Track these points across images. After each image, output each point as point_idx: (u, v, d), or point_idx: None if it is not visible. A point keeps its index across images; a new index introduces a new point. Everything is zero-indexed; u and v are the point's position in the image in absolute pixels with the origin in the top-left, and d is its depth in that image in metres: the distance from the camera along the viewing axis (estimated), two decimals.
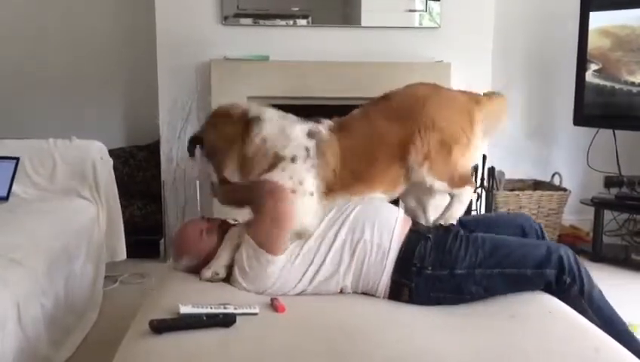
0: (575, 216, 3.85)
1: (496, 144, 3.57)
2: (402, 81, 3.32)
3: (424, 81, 2.10)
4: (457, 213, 1.98)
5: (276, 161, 1.83)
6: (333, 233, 1.78)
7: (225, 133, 1.90)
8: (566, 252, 1.77)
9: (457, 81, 3.26)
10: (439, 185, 1.95)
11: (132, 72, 3.84)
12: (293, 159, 1.84)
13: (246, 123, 1.88)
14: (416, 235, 1.81)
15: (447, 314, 1.69)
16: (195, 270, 1.84)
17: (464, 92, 2.10)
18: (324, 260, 1.76)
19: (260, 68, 3.26)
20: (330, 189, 1.88)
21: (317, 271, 1.75)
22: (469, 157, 1.99)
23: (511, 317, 1.65)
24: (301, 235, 1.79)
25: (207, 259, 1.83)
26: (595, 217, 3.44)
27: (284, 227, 1.74)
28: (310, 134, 1.89)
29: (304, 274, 1.75)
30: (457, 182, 1.97)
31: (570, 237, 3.71)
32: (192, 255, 1.86)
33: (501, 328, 1.59)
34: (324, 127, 1.93)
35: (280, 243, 1.73)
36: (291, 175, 1.82)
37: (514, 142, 3.89)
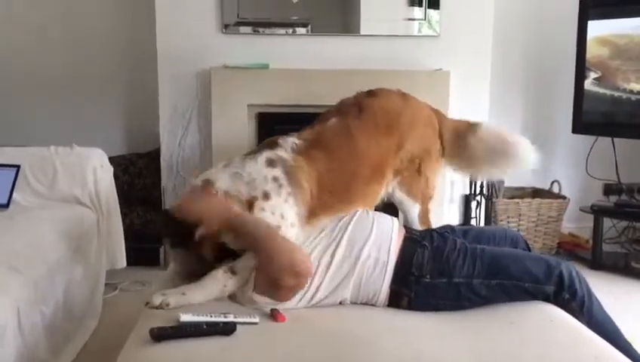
0: (574, 223, 3.85)
1: None
2: (402, 88, 3.35)
3: (386, 88, 2.19)
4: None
5: (251, 202, 1.74)
6: (330, 253, 1.75)
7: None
8: (567, 268, 1.75)
9: (456, 89, 3.29)
10: (410, 205, 2.05)
11: (132, 79, 3.85)
12: (265, 195, 1.76)
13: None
14: (412, 243, 1.81)
15: (446, 321, 1.68)
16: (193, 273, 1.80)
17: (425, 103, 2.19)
18: (322, 281, 1.73)
19: (260, 76, 3.27)
20: (311, 213, 1.83)
21: (316, 291, 1.72)
22: (435, 174, 2.07)
23: (511, 324, 1.65)
24: None
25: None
26: (594, 225, 3.44)
27: (299, 291, 1.67)
28: (270, 163, 1.80)
29: (304, 295, 1.71)
30: (425, 212, 2.08)
31: (569, 245, 3.72)
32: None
33: (500, 334, 1.59)
34: (286, 149, 1.84)
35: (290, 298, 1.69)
36: (272, 211, 1.75)
37: None
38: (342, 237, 1.79)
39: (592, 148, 3.60)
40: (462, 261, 1.76)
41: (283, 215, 1.76)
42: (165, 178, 3.47)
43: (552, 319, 1.68)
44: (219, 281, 1.66)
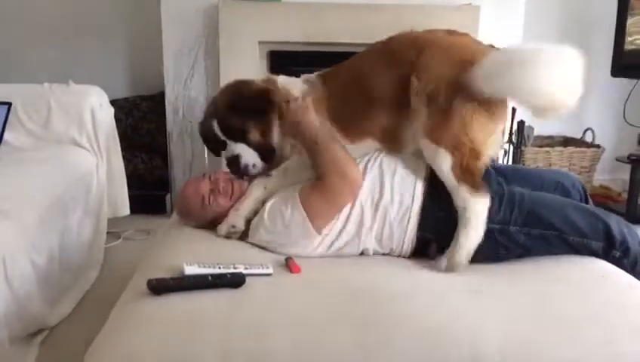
0: (604, 175, 3.63)
1: None
2: (428, 25, 3.04)
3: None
4: (469, 248, 1.51)
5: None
6: None
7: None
8: (618, 222, 1.56)
9: (487, 26, 3.03)
10: (435, 155, 1.54)
11: (134, 15, 3.61)
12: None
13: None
14: (440, 184, 1.58)
15: (483, 276, 1.48)
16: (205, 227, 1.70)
17: (477, 42, 1.69)
18: (344, 225, 1.58)
19: (273, 10, 3.05)
20: None
21: (337, 236, 1.58)
22: (485, 127, 1.54)
23: (557, 281, 1.45)
24: None
25: (217, 220, 1.67)
26: (631, 176, 3.21)
27: (339, 209, 1.58)
28: (305, 81, 1.76)
29: (324, 238, 1.57)
30: (464, 169, 1.52)
31: (600, 198, 3.49)
32: (199, 221, 1.72)
33: (547, 293, 1.38)
34: (311, 76, 1.78)
35: (327, 222, 1.57)
36: None
37: None
38: (364, 180, 1.62)
39: (631, 92, 3.33)
40: (498, 204, 1.56)
41: None
42: (171, 122, 3.31)
43: (603, 274, 1.49)
44: (259, 184, 1.68)
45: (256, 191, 1.67)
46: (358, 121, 1.68)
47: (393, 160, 1.67)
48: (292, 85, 1.75)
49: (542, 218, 1.56)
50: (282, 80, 1.77)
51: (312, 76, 1.78)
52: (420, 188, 1.61)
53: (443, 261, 1.52)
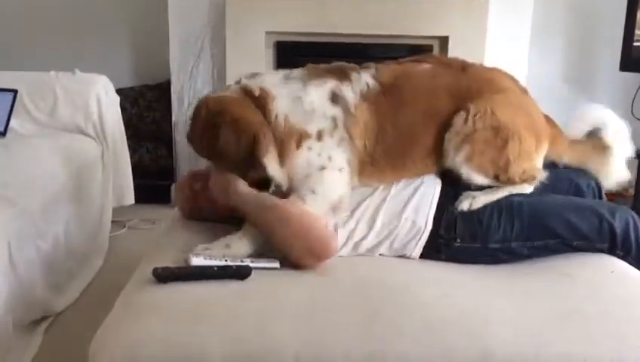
0: None
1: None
2: (433, 17, 3.05)
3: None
4: (491, 201, 1.61)
5: (302, 138, 1.55)
6: (372, 211, 1.56)
7: (249, 120, 1.51)
8: (622, 219, 1.53)
9: (495, 20, 3.03)
10: (481, 180, 1.62)
11: (140, 4, 3.59)
12: (319, 136, 1.56)
13: (259, 103, 1.55)
14: (443, 200, 1.59)
15: (493, 272, 1.48)
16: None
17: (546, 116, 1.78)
18: (357, 246, 1.55)
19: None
20: (361, 168, 1.61)
21: (356, 246, 1.55)
22: (528, 159, 1.63)
23: (566, 277, 1.44)
24: (336, 209, 1.54)
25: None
26: (638, 171, 3.18)
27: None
28: (334, 98, 1.58)
29: (340, 250, 1.54)
30: (507, 181, 1.63)
31: (607, 194, 3.45)
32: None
33: (555, 290, 1.37)
34: (354, 88, 1.59)
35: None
36: (319, 152, 1.56)
37: (549, 90, 3.60)
38: (386, 195, 1.60)
39: (639, 87, 3.30)
40: (497, 220, 1.54)
41: (331, 157, 1.56)
42: (176, 112, 3.31)
43: (612, 270, 1.48)
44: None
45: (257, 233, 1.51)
46: (406, 160, 1.63)
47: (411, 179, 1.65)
48: (315, 118, 1.55)
49: (543, 226, 1.53)
50: (293, 113, 1.54)
51: (346, 93, 1.57)
52: (432, 212, 1.57)
53: (465, 204, 1.57)
